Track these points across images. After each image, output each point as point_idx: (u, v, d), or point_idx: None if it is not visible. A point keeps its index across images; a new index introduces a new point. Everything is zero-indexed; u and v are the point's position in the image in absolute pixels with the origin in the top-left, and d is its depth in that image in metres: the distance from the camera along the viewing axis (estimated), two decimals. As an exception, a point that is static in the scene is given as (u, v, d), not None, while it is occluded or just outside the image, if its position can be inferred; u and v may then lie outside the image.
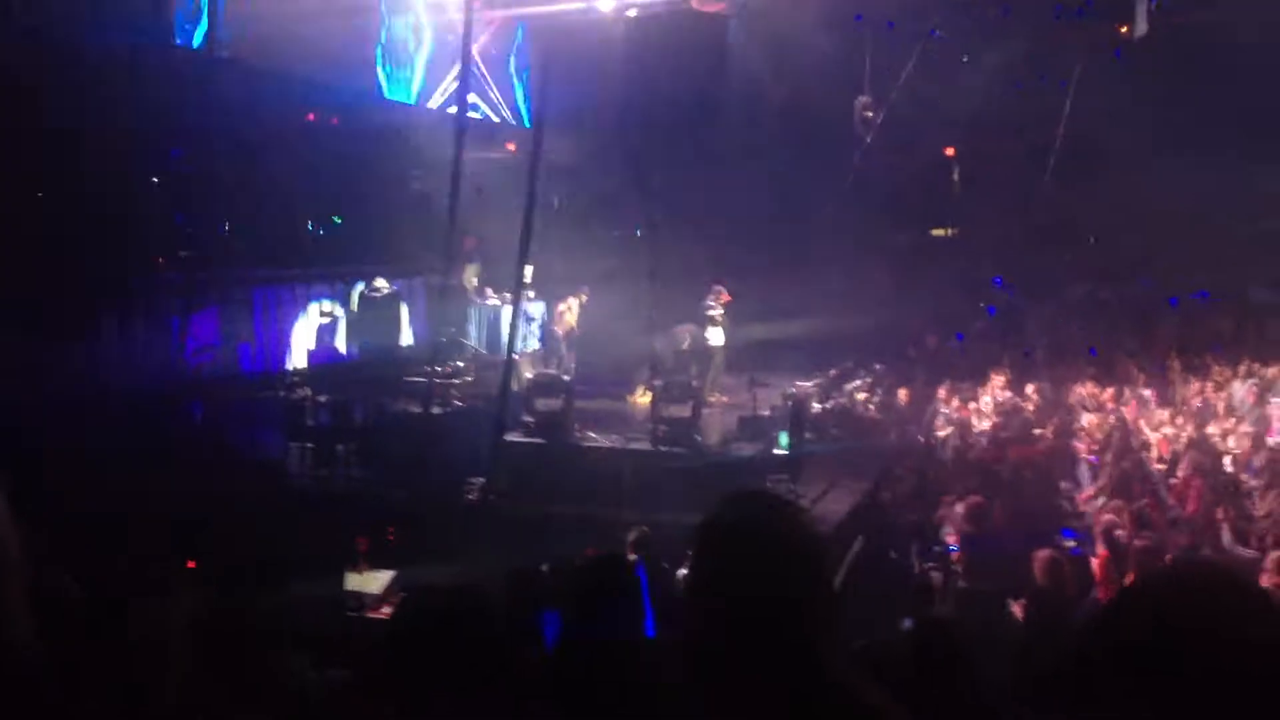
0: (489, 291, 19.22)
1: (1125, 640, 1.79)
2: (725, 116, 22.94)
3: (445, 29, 19.28)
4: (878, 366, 19.43)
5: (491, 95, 20.84)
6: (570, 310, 18.12)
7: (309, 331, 17.49)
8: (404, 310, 18.63)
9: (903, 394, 17.38)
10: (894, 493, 13.47)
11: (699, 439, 14.18)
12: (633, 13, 18.39)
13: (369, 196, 18.91)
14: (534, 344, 18.75)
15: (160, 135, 14.63)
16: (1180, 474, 12.48)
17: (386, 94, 18.80)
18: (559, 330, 18.10)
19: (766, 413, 14.98)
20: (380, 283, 17.58)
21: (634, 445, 14.15)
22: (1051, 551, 8.31)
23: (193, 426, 14.39)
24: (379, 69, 18.59)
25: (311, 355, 17.31)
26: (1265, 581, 7.46)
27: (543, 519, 11.77)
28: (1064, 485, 13.20)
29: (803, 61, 20.23)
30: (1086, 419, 15.37)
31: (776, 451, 13.96)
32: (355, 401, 14.48)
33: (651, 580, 4.76)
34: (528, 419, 14.44)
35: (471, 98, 17.92)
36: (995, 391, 17.06)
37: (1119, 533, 9.20)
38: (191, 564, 7.17)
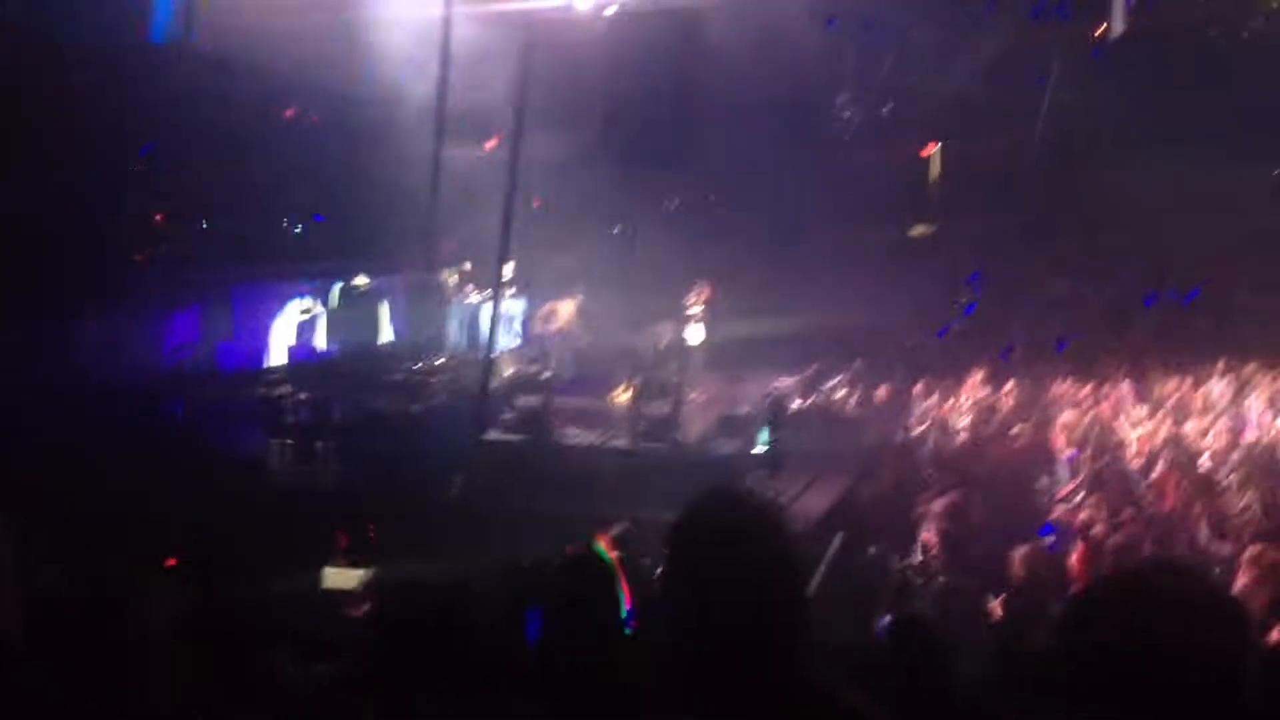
0: (469, 289, 19.18)
1: (1086, 640, 1.81)
2: (705, 114, 22.94)
3: (422, 23, 19.19)
4: (857, 364, 19.46)
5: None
6: (563, 309, 18.09)
7: (289, 329, 17.44)
8: (384, 308, 18.59)
9: (882, 391, 17.40)
10: (873, 490, 13.50)
11: (679, 436, 14.20)
12: (609, 11, 18.39)
13: (349, 193, 18.84)
14: (514, 341, 18.73)
15: (138, 132, 14.58)
16: (1157, 471, 12.54)
17: (365, 89, 18.72)
18: (549, 328, 18.08)
19: (746, 410, 15.01)
20: (360, 280, 17.54)
21: (614, 443, 14.17)
22: (1029, 548, 8.36)
23: (172, 424, 14.35)
24: (358, 65, 18.51)
25: (291, 352, 17.27)
26: (1242, 578, 7.50)
27: (522, 516, 11.77)
28: (1042, 482, 13.25)
29: (782, 59, 20.27)
30: (1064, 416, 15.43)
31: (756, 449, 13.99)
32: (335, 399, 14.46)
33: (631, 577, 4.78)
34: (508, 416, 14.44)
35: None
36: (973, 389, 17.11)
37: (1096, 529, 9.26)
38: (172, 561, 7.16)
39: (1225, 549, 10.14)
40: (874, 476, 13.87)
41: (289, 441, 13.97)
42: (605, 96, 21.95)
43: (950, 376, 17.87)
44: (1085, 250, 24.86)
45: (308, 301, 17.81)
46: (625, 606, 3.61)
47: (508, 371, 16.00)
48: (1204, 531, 10.59)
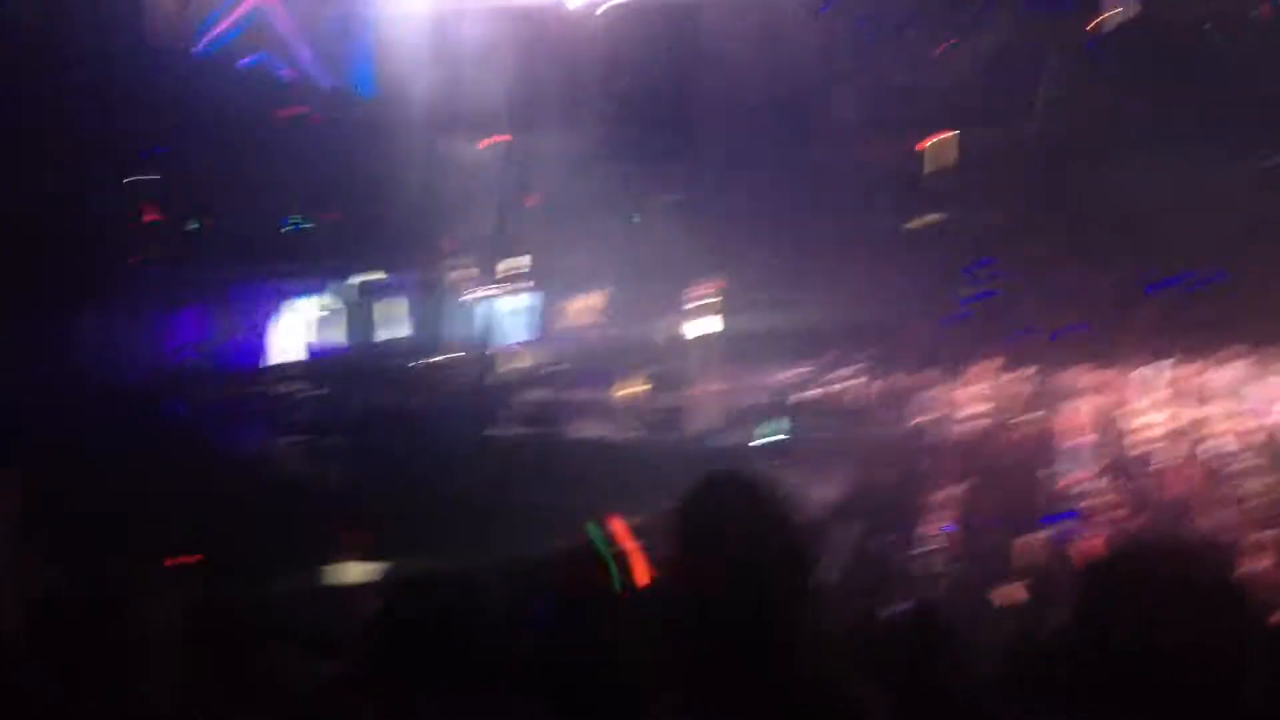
0: (476, 285, 19.14)
1: (1091, 618, 1.78)
2: (706, 108, 22.89)
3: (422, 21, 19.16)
4: (866, 354, 19.41)
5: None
6: (584, 303, 18.06)
7: (295, 327, 17.42)
8: (391, 305, 18.56)
9: (891, 381, 17.36)
10: (883, 479, 13.46)
11: (688, 428, 14.18)
12: (602, 9, 18.37)
13: (352, 192, 18.80)
14: (523, 336, 18.71)
15: (140, 133, 14.55)
16: (1170, 457, 12.49)
17: (365, 88, 18.70)
18: (569, 322, 18.04)
19: (755, 401, 14.97)
20: (367, 278, 17.52)
21: (623, 435, 14.15)
22: (1041, 536, 8.31)
23: (174, 423, 14.34)
24: (356, 63, 18.49)
25: (298, 351, 17.26)
26: (1261, 560, 7.47)
27: (531, 510, 11.74)
28: (1053, 470, 13.20)
29: (780, 52, 20.21)
30: (1075, 404, 15.37)
31: (765, 439, 13.96)
32: (342, 396, 14.45)
33: (642, 569, 4.73)
34: (516, 410, 14.42)
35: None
36: (983, 377, 17.06)
37: (1109, 516, 9.21)
38: (180, 560, 7.12)
39: (1238, 533, 10.09)
40: (885, 465, 13.84)
41: (296, 438, 13.96)
42: (605, 91, 21.90)
43: (959, 365, 17.82)
44: (1092, 238, 24.77)
45: (315, 300, 17.79)
46: (628, 600, 3.55)
47: (516, 366, 15.97)
48: (1217, 516, 10.54)
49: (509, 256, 14.91)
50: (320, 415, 14.10)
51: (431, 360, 15.96)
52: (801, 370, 18.08)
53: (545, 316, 18.52)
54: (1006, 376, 17.18)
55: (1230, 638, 1.72)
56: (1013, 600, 7.97)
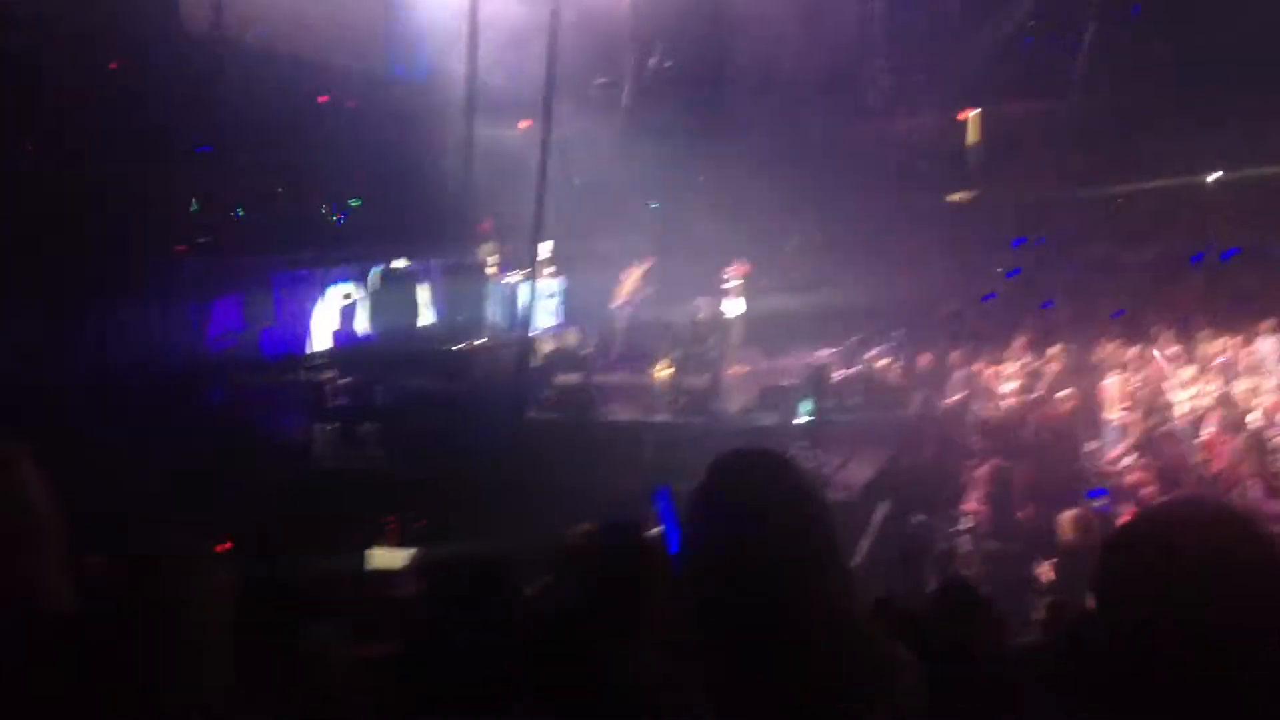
0: (507, 269, 19.20)
1: (1121, 581, 1.79)
2: (738, 87, 22.85)
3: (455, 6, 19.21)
4: (899, 333, 19.35)
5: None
6: (620, 286, 18.07)
7: (330, 315, 17.53)
8: (422, 290, 18.63)
9: (924, 360, 17.30)
10: (917, 458, 13.45)
11: (719, 409, 14.19)
12: None
13: (386, 178, 18.89)
14: (553, 320, 18.75)
15: (176, 123, 14.66)
16: (1207, 431, 12.42)
17: (399, 73, 18.77)
18: (604, 304, 18.05)
19: (787, 382, 14.96)
20: (398, 264, 17.59)
21: (654, 418, 14.17)
22: (1079, 511, 8.29)
23: (217, 410, 14.48)
24: (392, 48, 18.56)
25: (333, 338, 17.36)
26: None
27: (564, 493, 11.80)
28: (1089, 446, 13.15)
29: (814, 27, 20.14)
30: (1111, 379, 15.28)
31: (798, 420, 13.96)
32: (376, 382, 14.52)
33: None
34: (548, 394, 14.47)
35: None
36: (1017, 354, 16.98)
37: (1147, 491, 9.18)
38: (218, 545, 7.21)
39: (1278, 507, 10.04)
40: (918, 444, 13.83)
41: (333, 425, 14.07)
42: (640, 70, 21.90)
43: (993, 342, 17.74)
44: (1127, 211, 24.57)
45: (347, 287, 17.89)
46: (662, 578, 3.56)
47: (548, 350, 16.01)
48: (1256, 490, 10.49)
49: (544, 240, 14.93)
50: (359, 401, 14.18)
51: (469, 345, 16.00)
52: (835, 349, 18.06)
53: (580, 299, 18.52)
54: (1042, 352, 17.07)
55: (1273, 610, 1.71)
56: (1048, 577, 7.97)
